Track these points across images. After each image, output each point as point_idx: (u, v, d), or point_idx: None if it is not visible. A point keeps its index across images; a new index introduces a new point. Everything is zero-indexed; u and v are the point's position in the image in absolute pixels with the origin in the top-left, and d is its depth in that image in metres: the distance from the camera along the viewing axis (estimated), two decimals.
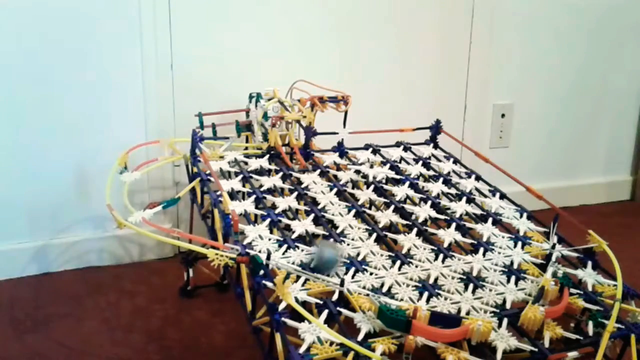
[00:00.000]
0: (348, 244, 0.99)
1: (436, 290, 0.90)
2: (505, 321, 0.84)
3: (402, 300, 0.87)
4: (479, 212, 1.17)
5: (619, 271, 0.96)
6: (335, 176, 1.26)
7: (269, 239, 0.97)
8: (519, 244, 1.06)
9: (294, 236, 1.01)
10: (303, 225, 1.03)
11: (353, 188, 1.22)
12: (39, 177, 1.47)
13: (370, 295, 0.84)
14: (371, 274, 0.92)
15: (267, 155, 1.29)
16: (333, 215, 1.09)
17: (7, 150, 1.44)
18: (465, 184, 1.26)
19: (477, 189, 1.25)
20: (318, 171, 1.25)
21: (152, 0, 1.46)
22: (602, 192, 2.13)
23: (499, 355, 0.78)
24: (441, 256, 0.99)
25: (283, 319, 0.79)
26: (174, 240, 0.96)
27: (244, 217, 1.04)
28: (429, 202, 1.17)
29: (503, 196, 1.23)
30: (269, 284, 0.84)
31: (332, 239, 1.00)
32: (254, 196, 1.10)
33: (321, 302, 0.84)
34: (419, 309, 0.77)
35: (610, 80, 2.02)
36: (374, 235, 1.03)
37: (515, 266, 0.99)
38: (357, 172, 1.27)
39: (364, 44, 1.70)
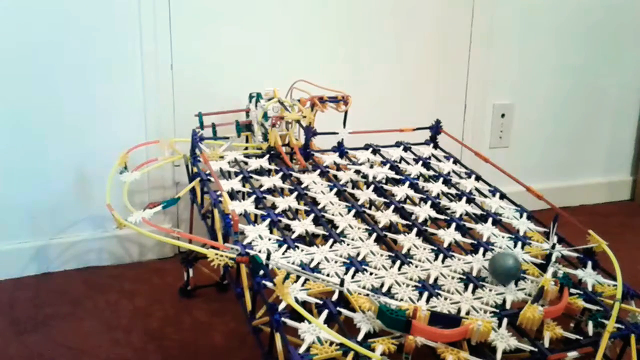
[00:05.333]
0: (348, 244, 1.00)
1: (436, 290, 0.90)
2: (505, 321, 0.84)
3: (402, 300, 0.87)
4: (479, 212, 1.17)
5: (619, 271, 0.96)
6: (335, 176, 1.26)
7: (269, 239, 0.97)
8: (519, 244, 1.06)
9: (294, 236, 1.01)
10: (303, 225, 1.03)
11: (353, 188, 1.22)
12: (39, 177, 1.47)
13: (370, 295, 0.84)
14: (371, 274, 0.92)
15: (267, 155, 1.29)
16: (333, 215, 1.09)
17: (7, 150, 1.44)
18: (465, 184, 1.26)
19: (477, 189, 1.25)
20: (318, 171, 1.25)
21: (152, 0, 1.46)
22: (602, 192, 2.13)
23: (499, 355, 0.78)
24: (441, 256, 0.99)
25: (283, 319, 0.78)
26: (174, 240, 0.96)
27: (244, 217, 1.04)
28: (429, 202, 1.17)
29: (503, 196, 1.23)
30: (269, 284, 0.84)
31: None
32: (254, 196, 1.10)
33: (321, 302, 0.84)
34: (418, 309, 0.77)
35: (610, 80, 2.02)
36: (374, 235, 1.03)
37: None
38: (357, 172, 1.27)
39: (364, 44, 1.70)
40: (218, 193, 1.07)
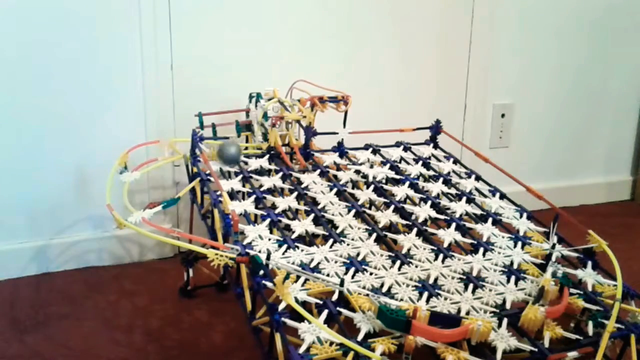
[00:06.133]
0: (348, 244, 1.00)
1: (436, 290, 0.90)
2: (505, 321, 0.84)
3: (402, 300, 0.87)
4: (479, 212, 1.17)
5: (619, 271, 0.96)
6: (335, 176, 1.26)
7: (269, 239, 0.97)
8: (519, 244, 1.06)
9: (293, 236, 1.01)
10: (303, 225, 1.03)
11: (353, 188, 1.22)
12: (39, 177, 1.47)
13: (370, 295, 0.84)
14: (371, 274, 0.92)
15: (267, 155, 1.29)
16: (333, 215, 1.09)
17: (7, 150, 1.44)
18: (465, 184, 1.26)
19: (477, 189, 1.25)
20: (318, 171, 1.25)
21: (152, 1, 1.46)
22: (602, 192, 2.13)
23: (498, 355, 0.78)
24: (441, 256, 0.99)
25: (283, 319, 0.79)
26: (174, 240, 0.96)
27: (244, 217, 1.04)
28: (429, 202, 1.17)
29: (503, 196, 1.23)
30: (269, 284, 0.84)
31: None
32: (254, 196, 1.10)
33: (321, 302, 0.84)
34: (418, 309, 0.77)
35: (610, 80, 2.02)
36: (374, 235, 1.03)
37: (515, 266, 0.99)
38: (357, 172, 1.27)
39: (364, 44, 1.70)
40: (218, 193, 1.07)
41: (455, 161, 1.36)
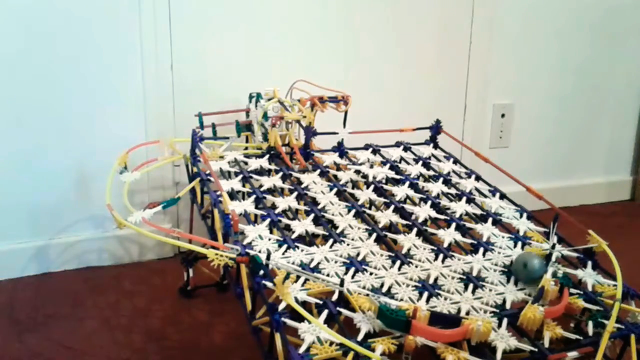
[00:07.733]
0: (348, 244, 1.00)
1: (436, 290, 0.90)
2: (505, 321, 0.84)
3: (402, 300, 0.87)
4: (479, 212, 1.17)
5: (618, 271, 0.96)
6: (335, 176, 1.26)
7: (269, 239, 0.97)
8: (519, 244, 1.06)
9: (293, 236, 1.01)
10: (303, 225, 1.03)
11: (353, 188, 1.22)
12: (39, 177, 1.47)
13: (370, 295, 0.84)
14: (371, 274, 0.92)
15: (267, 155, 1.29)
16: (333, 215, 1.09)
17: (8, 150, 1.44)
18: (465, 184, 1.26)
19: (477, 189, 1.25)
20: (318, 171, 1.25)
21: (152, 1, 1.46)
22: (602, 192, 2.13)
23: (498, 355, 0.78)
24: (441, 256, 0.99)
25: (283, 319, 0.78)
26: (174, 240, 0.96)
27: (244, 217, 1.04)
28: (429, 202, 1.17)
29: (503, 196, 1.23)
30: (269, 284, 0.84)
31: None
32: (254, 196, 1.10)
33: (321, 302, 0.84)
34: (418, 309, 0.77)
35: (610, 80, 2.02)
36: (374, 235, 1.03)
37: None
38: (357, 172, 1.27)
39: (364, 44, 1.70)
40: (218, 193, 1.07)
41: (455, 161, 1.36)
